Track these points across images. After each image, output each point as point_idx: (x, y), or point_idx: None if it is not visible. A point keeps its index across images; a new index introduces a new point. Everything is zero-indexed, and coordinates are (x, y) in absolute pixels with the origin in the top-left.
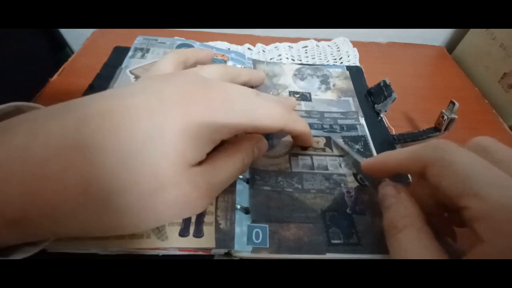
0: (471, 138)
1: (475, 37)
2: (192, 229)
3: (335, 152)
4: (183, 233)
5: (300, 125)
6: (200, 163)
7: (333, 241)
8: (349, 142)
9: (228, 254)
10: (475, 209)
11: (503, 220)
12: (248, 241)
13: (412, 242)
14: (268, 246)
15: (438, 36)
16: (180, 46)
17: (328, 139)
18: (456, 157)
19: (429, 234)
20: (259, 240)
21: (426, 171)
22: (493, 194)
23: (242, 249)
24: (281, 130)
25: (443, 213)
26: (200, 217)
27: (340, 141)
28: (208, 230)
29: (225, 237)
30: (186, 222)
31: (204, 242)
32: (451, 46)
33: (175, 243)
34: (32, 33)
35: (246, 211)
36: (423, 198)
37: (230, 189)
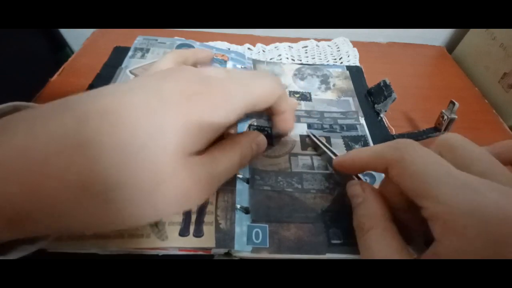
0: (440, 136)
1: (475, 37)
2: (192, 228)
3: (335, 152)
4: (183, 232)
5: (291, 99)
6: (199, 153)
7: (333, 241)
8: (349, 142)
9: (228, 254)
10: (430, 209)
11: (454, 221)
12: (248, 241)
13: (377, 242)
14: (268, 246)
15: (438, 36)
16: (180, 46)
17: (328, 139)
18: (415, 157)
19: (394, 233)
20: (259, 240)
21: (388, 170)
22: (446, 194)
23: (242, 249)
24: (275, 104)
25: (411, 210)
26: (200, 216)
27: (318, 138)
28: (208, 230)
29: (225, 236)
30: (186, 221)
31: (204, 242)
32: (451, 46)
33: (175, 243)
34: (32, 33)
35: (246, 211)
36: (392, 195)
37: (230, 188)
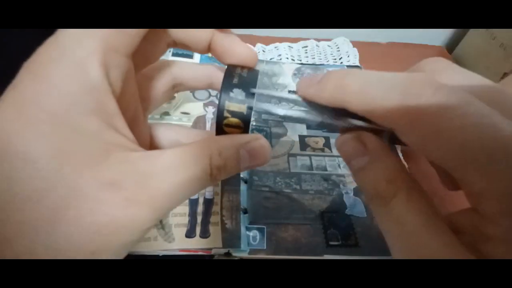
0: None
1: (475, 37)
2: (198, 229)
3: (335, 152)
4: (190, 234)
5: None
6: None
7: (331, 243)
8: None
9: (228, 254)
10: (482, 187)
11: None
12: (245, 243)
13: (408, 210)
14: (265, 247)
15: (438, 36)
16: None
17: (327, 139)
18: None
19: (423, 194)
20: (256, 242)
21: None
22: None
23: (240, 250)
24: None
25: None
26: (206, 217)
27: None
28: (215, 230)
29: (231, 236)
30: (192, 223)
31: (211, 242)
32: (451, 46)
33: (182, 245)
34: (32, 33)
35: (244, 211)
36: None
37: (235, 188)
